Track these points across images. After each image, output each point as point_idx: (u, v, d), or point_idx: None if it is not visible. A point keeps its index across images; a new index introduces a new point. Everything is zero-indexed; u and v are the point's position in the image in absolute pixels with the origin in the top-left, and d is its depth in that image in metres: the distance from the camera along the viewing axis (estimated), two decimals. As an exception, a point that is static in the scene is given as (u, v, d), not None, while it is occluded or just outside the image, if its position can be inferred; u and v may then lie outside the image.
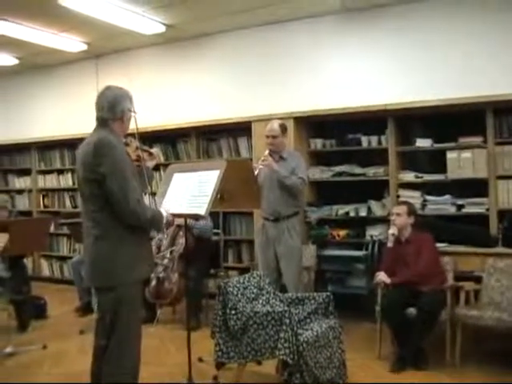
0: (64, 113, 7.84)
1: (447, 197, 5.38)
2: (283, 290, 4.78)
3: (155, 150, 3.64)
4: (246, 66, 6.42)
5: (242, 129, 6.45)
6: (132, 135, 3.31)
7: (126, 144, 3.25)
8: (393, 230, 4.63)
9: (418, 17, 5.46)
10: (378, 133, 5.79)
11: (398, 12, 5.55)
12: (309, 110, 5.90)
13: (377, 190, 5.80)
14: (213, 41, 6.66)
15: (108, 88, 3.20)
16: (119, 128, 3.16)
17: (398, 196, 5.56)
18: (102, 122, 3.13)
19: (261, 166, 4.83)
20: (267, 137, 5.00)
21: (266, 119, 5.57)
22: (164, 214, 3.23)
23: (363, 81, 5.72)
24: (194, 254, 5.32)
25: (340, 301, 4.42)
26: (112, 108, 3.12)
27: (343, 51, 5.86)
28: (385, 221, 5.64)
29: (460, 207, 5.32)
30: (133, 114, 3.23)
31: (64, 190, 8.20)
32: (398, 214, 4.64)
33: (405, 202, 4.82)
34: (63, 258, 8.16)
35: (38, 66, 7.97)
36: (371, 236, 5.63)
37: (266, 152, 4.93)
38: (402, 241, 4.63)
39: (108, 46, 7.08)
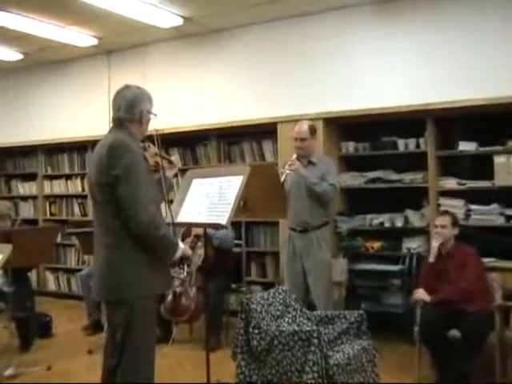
0: (73, 113, 7.92)
1: (494, 206, 5.34)
2: (311, 307, 4.78)
3: (175, 158, 3.67)
4: (270, 63, 6.45)
5: (266, 131, 6.48)
6: (151, 140, 3.35)
7: (144, 149, 3.27)
8: (437, 243, 4.60)
9: (460, 11, 5.43)
10: (416, 135, 5.78)
11: (435, 5, 5.53)
12: (340, 111, 5.90)
13: (414, 198, 5.78)
14: (234, 35, 6.70)
15: (127, 87, 3.23)
16: (137, 131, 3.19)
17: (439, 205, 5.54)
18: (118, 123, 3.16)
19: (288, 172, 4.85)
20: (295, 139, 5.02)
21: (293, 120, 5.59)
22: (181, 246, 3.20)
23: (400, 78, 5.69)
24: (213, 266, 5.35)
25: (374, 320, 4.40)
26: (130, 109, 3.15)
27: (377, 46, 5.85)
28: (423, 232, 5.63)
29: (509, 218, 5.27)
30: (152, 116, 3.26)
31: (73, 196, 8.29)
32: (443, 226, 4.59)
33: (447, 212, 4.78)
34: (71, 271, 8.25)
35: (45, 61, 8.08)
36: (408, 249, 5.61)
37: (294, 156, 4.95)
38: (443, 254, 4.60)
39: (120, 40, 7.15)
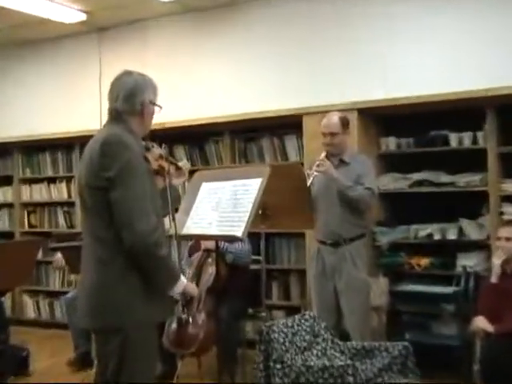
0: (56, 104, 7.95)
1: None
2: (345, 337, 4.78)
3: (184, 164, 3.68)
4: (293, 43, 6.47)
5: (289, 125, 6.51)
6: (156, 137, 3.37)
7: (146, 148, 3.29)
8: (499, 260, 4.59)
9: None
10: (473, 128, 5.78)
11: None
12: (378, 99, 5.90)
13: (471, 204, 5.77)
14: (251, 8, 6.74)
15: (127, 73, 3.26)
16: (138, 125, 3.22)
17: (501, 213, 5.55)
18: (115, 116, 3.19)
19: (315, 173, 4.87)
20: (324, 134, 5.04)
21: (322, 112, 5.57)
22: (183, 280, 3.18)
23: (452, 60, 5.69)
24: (226, 287, 5.36)
25: (422, 354, 4.38)
26: (130, 98, 3.17)
27: (422, 24, 5.86)
28: (482, 246, 5.61)
29: None
30: (157, 109, 3.29)
31: (57, 204, 8.34)
32: (508, 239, 4.59)
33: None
34: (54, 294, 8.28)
35: (20, 41, 8.10)
36: (464, 267, 5.58)
37: (323, 154, 4.96)
38: (508, 273, 4.59)
39: (114, 16, 7.19)
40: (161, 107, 3.30)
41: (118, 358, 3.03)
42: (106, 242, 3.03)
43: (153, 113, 3.28)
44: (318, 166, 4.88)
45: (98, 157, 3.01)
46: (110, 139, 3.04)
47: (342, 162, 5.04)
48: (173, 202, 3.35)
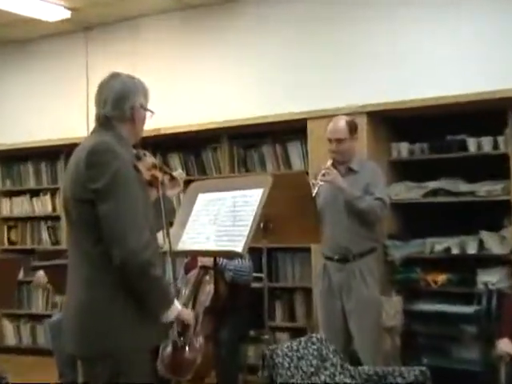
0: (40, 109, 7.93)
1: None
2: (355, 361, 4.76)
3: (179, 173, 3.66)
4: (297, 43, 6.49)
5: (293, 130, 6.51)
6: (149, 144, 3.35)
7: (138, 157, 3.26)
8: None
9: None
10: (494, 132, 5.78)
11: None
12: (389, 102, 5.90)
13: (492, 215, 5.76)
14: (251, 5, 6.75)
15: (115, 75, 3.23)
16: (128, 132, 3.19)
17: (525, 224, 5.53)
18: (103, 122, 3.16)
19: (321, 183, 4.84)
20: (329, 141, 5.02)
21: (328, 116, 5.56)
22: (177, 306, 3.14)
23: (470, 59, 5.68)
24: (226, 307, 5.34)
25: (441, 380, 4.36)
26: (118, 103, 3.14)
27: (442, 15, 5.84)
28: (505, 261, 5.60)
29: None
30: (148, 114, 3.27)
31: (40, 218, 8.32)
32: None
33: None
34: (37, 318, 8.26)
35: (3, 41, 8.11)
36: (485, 283, 5.55)
37: (329, 162, 4.94)
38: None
39: (101, 13, 7.20)
40: (153, 112, 3.28)
41: None
42: (94, 260, 2.99)
43: (144, 118, 3.25)
44: (323, 175, 4.85)
45: (85, 167, 2.97)
46: (97, 148, 3.00)
47: (350, 171, 5.02)
48: (167, 215, 3.31)
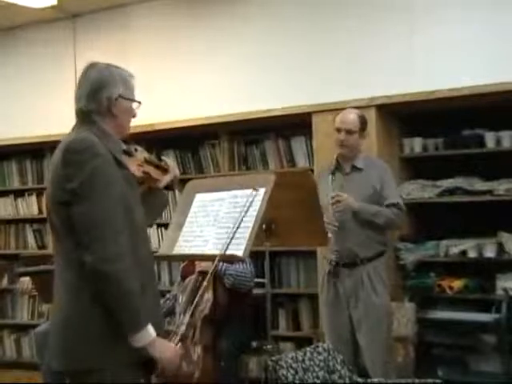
0: (24, 103, 7.93)
1: None
2: (364, 374, 4.77)
3: (171, 162, 3.66)
4: (301, 33, 6.47)
5: (296, 125, 6.51)
6: (139, 140, 3.35)
7: (128, 153, 3.26)
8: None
9: None
10: (513, 127, 5.77)
11: None
12: (400, 94, 5.89)
13: (512, 215, 5.77)
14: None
15: (91, 66, 3.23)
16: (111, 125, 3.18)
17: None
18: (82, 117, 3.17)
19: (336, 213, 4.84)
20: (338, 130, 5.01)
21: (334, 110, 5.60)
22: (151, 334, 2.99)
23: (486, 50, 5.66)
24: (226, 316, 5.35)
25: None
26: (94, 95, 3.13)
27: (453, 7, 5.83)
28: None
29: None
30: (135, 105, 3.26)
31: (25, 221, 8.32)
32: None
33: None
34: (22, 328, 8.26)
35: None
36: (505, 289, 5.56)
37: (332, 167, 4.95)
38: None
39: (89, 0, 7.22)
40: (139, 102, 3.27)
41: None
42: (76, 267, 2.97)
43: (128, 109, 3.24)
44: (333, 203, 4.85)
45: (62, 166, 2.98)
46: (73, 145, 3.00)
47: (355, 168, 5.03)
48: (158, 208, 3.38)
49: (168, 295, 5.86)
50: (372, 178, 4.98)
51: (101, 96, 3.13)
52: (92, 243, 2.87)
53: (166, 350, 3.07)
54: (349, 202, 4.89)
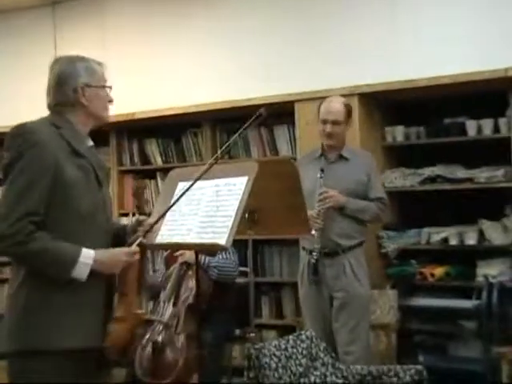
0: (4, 89, 7.89)
1: None
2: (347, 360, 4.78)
3: None
4: (283, 19, 6.45)
5: (279, 113, 6.47)
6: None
7: None
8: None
9: None
10: (495, 115, 5.78)
11: None
12: (382, 82, 5.88)
13: (493, 203, 5.78)
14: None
15: (56, 61, 3.35)
16: (81, 115, 3.28)
17: (529, 213, 5.55)
18: (53, 111, 3.28)
19: (322, 210, 4.84)
20: (324, 122, 4.99)
21: (317, 98, 5.60)
22: (88, 261, 3.07)
23: (467, 35, 5.66)
24: (210, 305, 5.34)
25: (438, 379, 4.39)
26: (59, 89, 3.25)
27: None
28: (507, 252, 5.61)
29: None
30: (106, 91, 3.35)
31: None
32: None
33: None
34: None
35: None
36: (485, 276, 5.57)
37: (322, 190, 4.93)
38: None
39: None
40: (109, 87, 3.36)
41: None
42: None
43: (97, 96, 3.31)
44: (320, 200, 4.84)
45: (4, 149, 3.12)
46: (13, 129, 3.12)
47: (341, 158, 5.03)
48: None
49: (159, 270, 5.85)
50: (358, 168, 4.99)
51: (65, 89, 3.24)
52: None
53: (107, 260, 3.16)
54: (338, 199, 4.90)
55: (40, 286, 3.03)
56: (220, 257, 5.51)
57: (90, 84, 3.27)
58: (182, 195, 3.39)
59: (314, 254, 4.89)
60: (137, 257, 3.25)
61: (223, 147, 3.50)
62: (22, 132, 3.07)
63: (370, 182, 4.99)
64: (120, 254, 3.20)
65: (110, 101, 3.38)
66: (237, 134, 3.59)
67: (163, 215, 3.39)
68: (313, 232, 4.74)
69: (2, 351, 3.10)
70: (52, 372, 3.06)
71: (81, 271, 3.04)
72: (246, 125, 3.59)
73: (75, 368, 3.12)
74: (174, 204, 3.39)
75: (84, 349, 3.12)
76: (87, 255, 3.06)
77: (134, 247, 3.24)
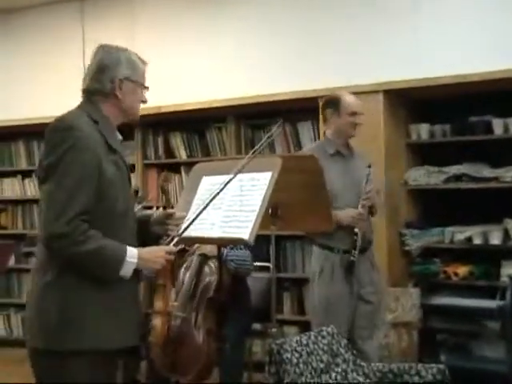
0: (31, 84, 7.93)
1: None
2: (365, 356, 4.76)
3: None
4: (309, 17, 6.44)
5: (303, 109, 6.51)
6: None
7: None
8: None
9: None
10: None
11: None
12: (408, 79, 5.87)
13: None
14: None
15: (100, 47, 3.28)
16: (113, 108, 3.22)
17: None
18: (85, 98, 3.22)
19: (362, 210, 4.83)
20: (354, 114, 4.88)
21: (342, 94, 5.59)
22: (133, 260, 3.09)
23: (494, 34, 5.63)
24: (229, 299, 5.33)
25: (461, 380, 4.36)
26: (98, 76, 3.18)
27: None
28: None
29: None
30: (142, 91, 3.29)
31: (32, 201, 8.31)
32: None
33: None
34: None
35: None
36: (510, 276, 5.53)
37: (370, 188, 4.89)
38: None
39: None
40: (146, 87, 3.31)
41: None
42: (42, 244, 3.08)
43: (134, 92, 3.26)
44: (367, 198, 4.81)
45: (44, 145, 3.08)
46: (54, 124, 3.06)
47: (351, 152, 5.01)
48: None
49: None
50: (362, 163, 4.95)
51: (104, 77, 3.18)
52: (44, 221, 2.97)
53: (149, 257, 3.16)
54: (375, 196, 4.91)
55: (78, 282, 3.00)
56: (236, 251, 5.51)
57: (130, 78, 3.21)
58: (218, 193, 3.37)
59: (355, 251, 4.82)
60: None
61: (250, 153, 3.46)
62: (62, 128, 3.02)
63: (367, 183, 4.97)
64: (160, 251, 3.21)
65: (144, 101, 3.32)
66: (259, 145, 3.54)
67: (202, 211, 3.36)
68: (356, 230, 4.71)
69: (35, 346, 3.08)
70: (87, 371, 3.05)
71: (127, 270, 3.05)
72: (263, 140, 3.56)
73: (110, 366, 3.16)
74: (211, 201, 3.35)
75: (126, 348, 3.14)
76: (132, 254, 3.07)
77: (173, 246, 3.26)
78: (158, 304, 3.44)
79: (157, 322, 3.41)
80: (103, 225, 3.02)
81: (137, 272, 3.13)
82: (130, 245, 3.12)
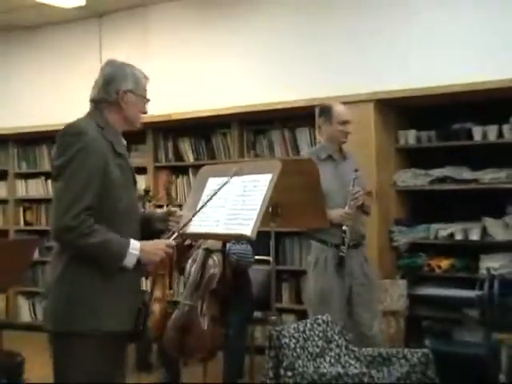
0: (54, 93, 7.97)
1: None
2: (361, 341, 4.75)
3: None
4: (306, 30, 6.46)
5: (301, 116, 6.52)
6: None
7: None
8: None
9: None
10: (498, 121, 5.77)
11: None
12: (397, 90, 5.88)
13: (496, 202, 5.78)
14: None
15: (109, 62, 3.38)
16: (116, 116, 3.29)
17: (529, 212, 5.52)
18: (92, 106, 3.31)
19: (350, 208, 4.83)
20: (345, 123, 4.90)
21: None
22: (135, 252, 3.15)
23: (476, 46, 5.64)
24: (232, 290, 5.35)
25: (443, 362, 4.36)
26: (105, 87, 3.26)
27: (449, 5, 5.80)
28: (508, 247, 5.60)
29: None
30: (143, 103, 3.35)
31: (55, 200, 8.31)
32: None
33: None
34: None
35: (17, 27, 8.13)
36: (488, 269, 5.55)
37: (357, 189, 4.86)
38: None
39: (114, 0, 7.20)
40: (148, 100, 3.38)
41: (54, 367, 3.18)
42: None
43: (136, 103, 3.33)
44: (355, 198, 4.78)
45: (56, 146, 3.15)
46: (65, 129, 3.15)
47: (343, 156, 5.01)
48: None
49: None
50: (352, 167, 4.95)
51: (111, 88, 3.26)
52: (53, 215, 3.07)
53: (151, 250, 3.20)
54: (366, 197, 4.90)
55: (84, 272, 3.07)
56: (238, 246, 5.53)
57: (133, 91, 3.29)
58: (213, 195, 3.40)
59: (343, 247, 4.83)
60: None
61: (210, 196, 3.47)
62: (72, 133, 3.09)
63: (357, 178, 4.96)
64: (161, 244, 3.25)
65: (144, 112, 3.40)
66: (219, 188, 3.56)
67: (199, 210, 3.40)
68: (344, 227, 4.72)
69: (48, 329, 3.17)
70: (96, 352, 3.10)
71: (129, 260, 3.11)
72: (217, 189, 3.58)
73: (115, 347, 3.21)
74: (208, 201, 3.39)
75: (127, 331, 3.19)
76: (134, 246, 3.13)
77: (172, 240, 3.29)
78: (157, 292, 3.47)
79: (155, 307, 3.44)
80: (107, 221, 3.09)
81: (139, 264, 3.18)
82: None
